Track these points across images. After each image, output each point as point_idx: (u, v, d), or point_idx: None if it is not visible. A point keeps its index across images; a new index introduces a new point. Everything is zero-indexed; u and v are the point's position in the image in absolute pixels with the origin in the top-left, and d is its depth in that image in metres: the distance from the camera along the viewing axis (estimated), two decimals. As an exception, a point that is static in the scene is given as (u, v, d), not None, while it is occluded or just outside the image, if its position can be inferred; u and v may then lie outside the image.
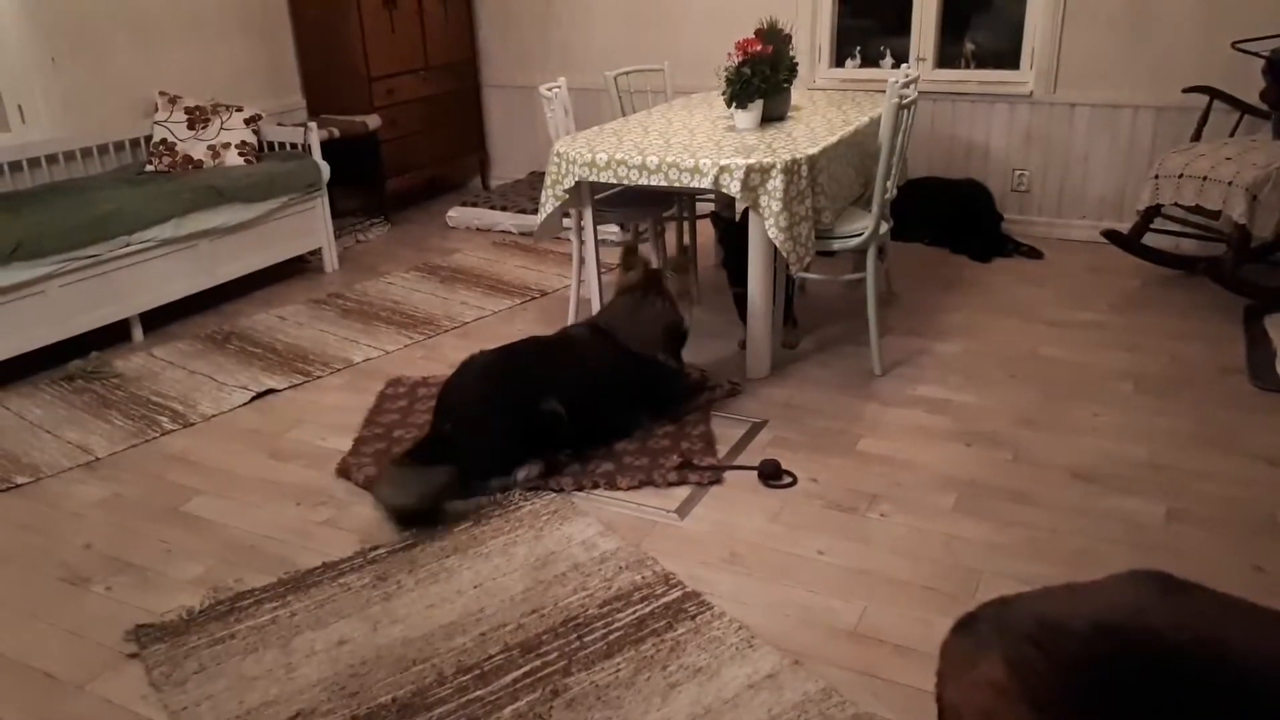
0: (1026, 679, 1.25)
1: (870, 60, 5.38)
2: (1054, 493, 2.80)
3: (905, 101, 3.42)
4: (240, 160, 4.66)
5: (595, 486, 2.88)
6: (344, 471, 3.01)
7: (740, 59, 3.62)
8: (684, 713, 2.02)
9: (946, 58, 5.20)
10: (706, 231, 4.34)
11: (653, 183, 3.35)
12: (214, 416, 3.44)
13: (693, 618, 2.30)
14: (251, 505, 2.88)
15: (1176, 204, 4.08)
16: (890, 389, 3.46)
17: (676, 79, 4.72)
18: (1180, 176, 4.01)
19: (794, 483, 2.89)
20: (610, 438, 3.11)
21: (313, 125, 4.83)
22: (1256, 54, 4.23)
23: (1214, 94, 4.35)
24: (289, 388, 3.64)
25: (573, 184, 3.52)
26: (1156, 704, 1.20)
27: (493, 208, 5.62)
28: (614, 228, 5.03)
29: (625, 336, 3.17)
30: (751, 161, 3.19)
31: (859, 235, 3.48)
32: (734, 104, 3.69)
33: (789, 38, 3.77)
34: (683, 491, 2.86)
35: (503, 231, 5.53)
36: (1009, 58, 5.03)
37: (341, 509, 2.84)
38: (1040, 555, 2.52)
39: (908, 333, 3.93)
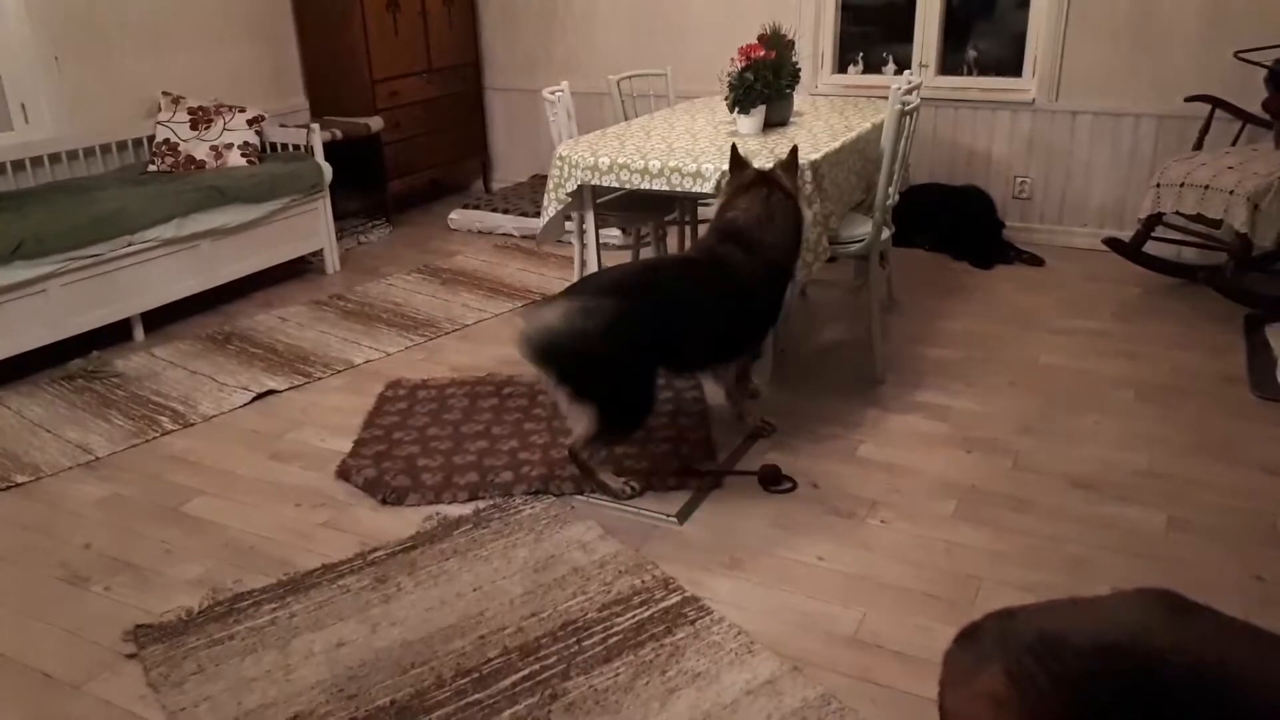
0: (1026, 693, 1.24)
1: (873, 67, 5.39)
2: (1054, 500, 2.80)
3: (907, 108, 3.43)
4: (243, 161, 4.67)
5: (595, 490, 2.89)
6: (344, 473, 3.01)
7: (743, 64, 3.62)
8: (683, 718, 2.02)
9: (949, 65, 5.21)
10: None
11: (655, 187, 3.35)
12: (214, 417, 3.44)
13: (692, 622, 2.30)
14: (251, 506, 2.88)
15: (1178, 212, 4.08)
16: (890, 395, 3.46)
17: (679, 84, 4.72)
18: (1182, 185, 4.01)
19: (794, 488, 2.89)
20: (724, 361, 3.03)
21: (315, 127, 4.84)
22: (1258, 64, 4.24)
23: (1216, 103, 4.36)
24: (289, 389, 3.64)
25: (575, 187, 3.53)
26: None
27: (495, 210, 5.62)
28: (615, 231, 5.04)
29: (765, 249, 2.91)
30: (754, 167, 3.19)
31: (860, 241, 3.48)
32: (736, 109, 3.70)
33: (792, 43, 3.77)
34: (682, 496, 2.86)
35: (504, 234, 5.53)
36: (1011, 65, 5.04)
37: (341, 511, 2.84)
38: (1040, 563, 2.52)
39: (908, 339, 3.93)
